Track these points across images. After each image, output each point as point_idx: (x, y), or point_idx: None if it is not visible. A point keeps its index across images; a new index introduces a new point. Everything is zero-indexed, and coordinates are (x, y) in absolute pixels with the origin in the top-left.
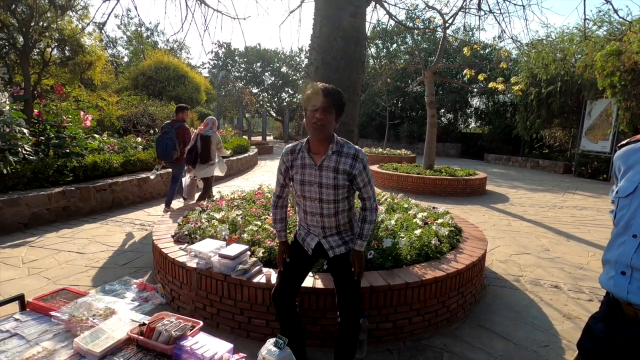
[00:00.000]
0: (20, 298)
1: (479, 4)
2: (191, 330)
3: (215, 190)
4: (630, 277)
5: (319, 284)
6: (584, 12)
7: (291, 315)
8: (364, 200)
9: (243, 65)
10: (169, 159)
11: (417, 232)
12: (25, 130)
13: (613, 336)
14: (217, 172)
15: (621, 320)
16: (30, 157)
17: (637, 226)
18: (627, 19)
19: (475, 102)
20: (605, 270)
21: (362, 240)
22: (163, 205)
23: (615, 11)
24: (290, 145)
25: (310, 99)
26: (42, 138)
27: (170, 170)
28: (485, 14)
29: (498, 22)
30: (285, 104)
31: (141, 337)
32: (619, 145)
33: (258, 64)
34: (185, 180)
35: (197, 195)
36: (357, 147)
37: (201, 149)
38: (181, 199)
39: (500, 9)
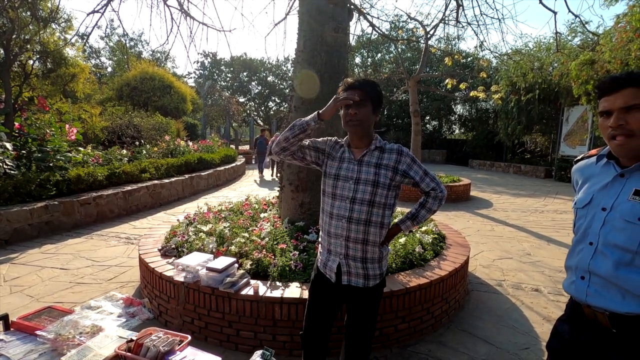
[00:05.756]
0: (4, 318)
1: (457, 17)
2: (179, 345)
3: (202, 200)
4: (588, 282)
5: (307, 295)
6: (555, 26)
7: (320, 356)
8: (427, 193)
9: (229, 75)
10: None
11: (402, 240)
12: (8, 145)
13: (577, 337)
14: None
15: (583, 322)
16: (12, 172)
17: (593, 234)
18: (598, 31)
19: (459, 109)
20: (568, 276)
21: (411, 222)
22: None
23: (584, 25)
24: (335, 138)
25: (342, 94)
26: (24, 152)
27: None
28: (464, 26)
29: (476, 34)
30: (272, 112)
31: (129, 354)
32: (575, 160)
33: (244, 74)
34: (267, 160)
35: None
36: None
37: None
38: (262, 172)
39: (477, 22)
